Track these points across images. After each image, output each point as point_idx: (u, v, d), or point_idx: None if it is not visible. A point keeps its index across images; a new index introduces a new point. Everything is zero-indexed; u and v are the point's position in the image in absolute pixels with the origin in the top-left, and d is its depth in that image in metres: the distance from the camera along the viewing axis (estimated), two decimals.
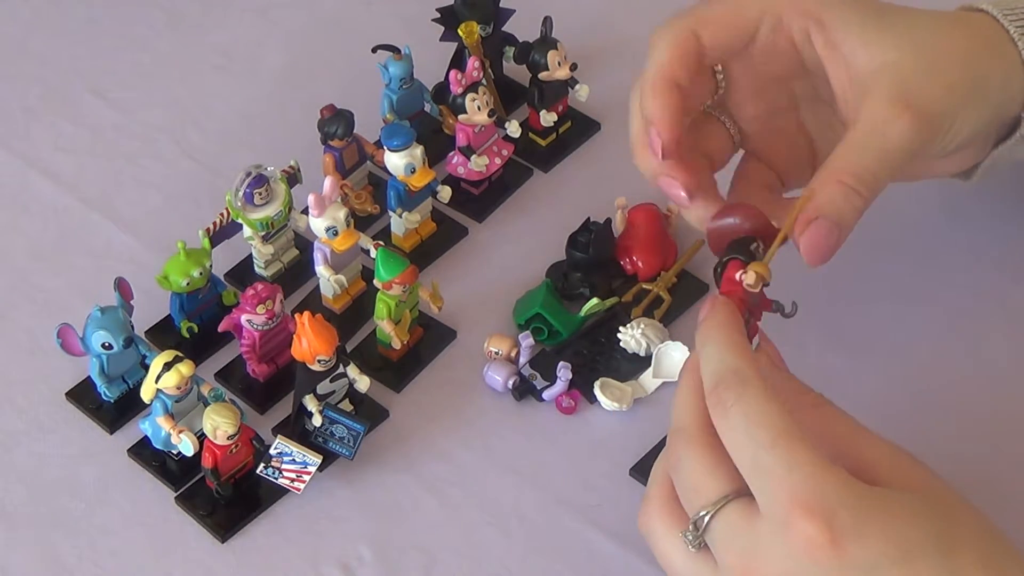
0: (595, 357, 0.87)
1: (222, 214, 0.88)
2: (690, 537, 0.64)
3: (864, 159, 0.71)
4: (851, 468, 0.64)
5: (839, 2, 0.75)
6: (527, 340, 0.86)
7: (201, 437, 0.79)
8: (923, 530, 0.60)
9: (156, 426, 0.80)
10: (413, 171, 0.89)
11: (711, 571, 0.64)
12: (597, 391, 0.84)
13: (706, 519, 0.63)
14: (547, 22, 0.97)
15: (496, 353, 0.86)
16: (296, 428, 0.83)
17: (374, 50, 0.96)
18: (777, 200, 0.79)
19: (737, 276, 0.69)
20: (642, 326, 0.87)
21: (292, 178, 0.90)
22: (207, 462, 0.79)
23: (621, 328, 0.87)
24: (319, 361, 0.79)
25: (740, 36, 0.76)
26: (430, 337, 0.89)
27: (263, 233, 0.89)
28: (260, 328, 0.84)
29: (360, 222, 0.92)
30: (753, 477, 0.62)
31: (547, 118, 0.98)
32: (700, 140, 0.79)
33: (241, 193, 0.87)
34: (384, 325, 0.85)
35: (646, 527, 0.68)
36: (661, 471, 0.68)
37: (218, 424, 0.77)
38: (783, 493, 0.60)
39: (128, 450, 0.83)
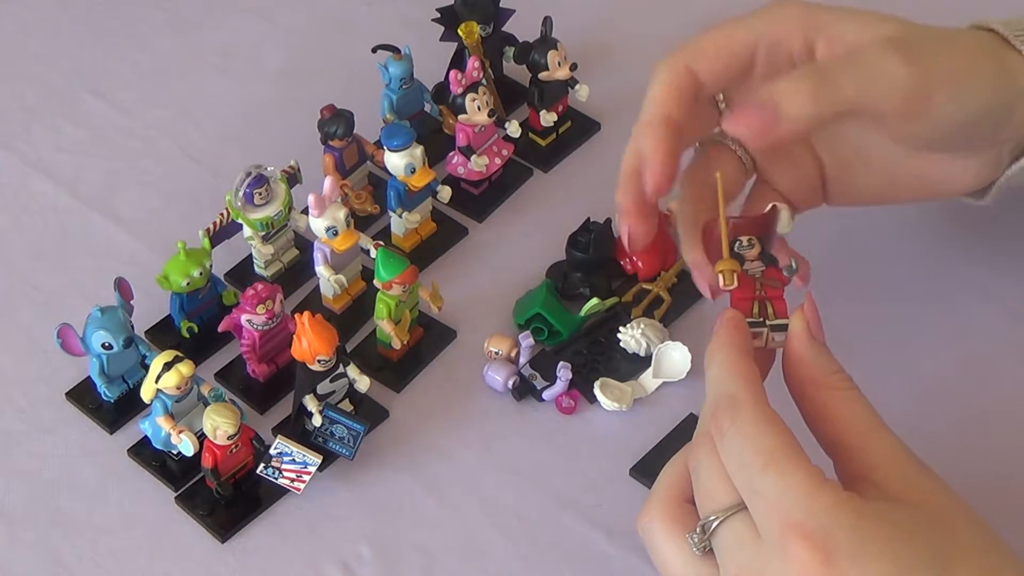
0: (595, 357, 0.87)
1: (222, 214, 0.88)
2: (695, 539, 0.64)
3: (833, 67, 0.69)
4: (855, 468, 0.64)
5: (837, 9, 0.74)
6: (527, 340, 0.86)
7: (201, 437, 0.79)
8: (919, 547, 0.60)
9: (156, 426, 0.80)
10: (413, 171, 0.89)
11: None
12: (597, 391, 0.85)
13: (715, 524, 0.63)
14: (547, 22, 0.97)
15: (496, 353, 0.86)
16: (296, 428, 0.83)
17: (374, 50, 0.96)
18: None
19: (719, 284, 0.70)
20: (642, 326, 0.87)
21: (292, 178, 0.90)
22: (207, 462, 0.79)
23: (621, 328, 0.87)
24: (319, 361, 0.79)
25: (736, 64, 0.75)
26: (430, 337, 0.89)
27: (263, 233, 0.89)
28: (260, 328, 0.84)
29: (360, 222, 0.92)
30: (749, 499, 0.62)
31: (547, 118, 0.98)
32: (711, 168, 0.77)
33: (241, 193, 0.87)
34: (384, 325, 0.85)
35: (646, 527, 0.67)
36: (670, 473, 0.68)
37: (218, 424, 0.77)
38: (776, 517, 0.60)
39: (128, 450, 0.83)
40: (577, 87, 0.98)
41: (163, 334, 0.88)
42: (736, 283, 0.69)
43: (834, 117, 0.70)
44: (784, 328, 0.69)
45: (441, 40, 0.98)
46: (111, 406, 0.85)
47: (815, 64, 0.72)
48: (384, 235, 0.93)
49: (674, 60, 0.74)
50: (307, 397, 0.81)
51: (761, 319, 0.69)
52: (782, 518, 0.60)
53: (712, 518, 0.63)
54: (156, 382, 0.78)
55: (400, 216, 0.91)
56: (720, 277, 0.69)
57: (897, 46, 0.70)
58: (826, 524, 0.59)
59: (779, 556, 0.60)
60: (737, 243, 0.71)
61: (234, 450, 0.79)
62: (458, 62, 0.98)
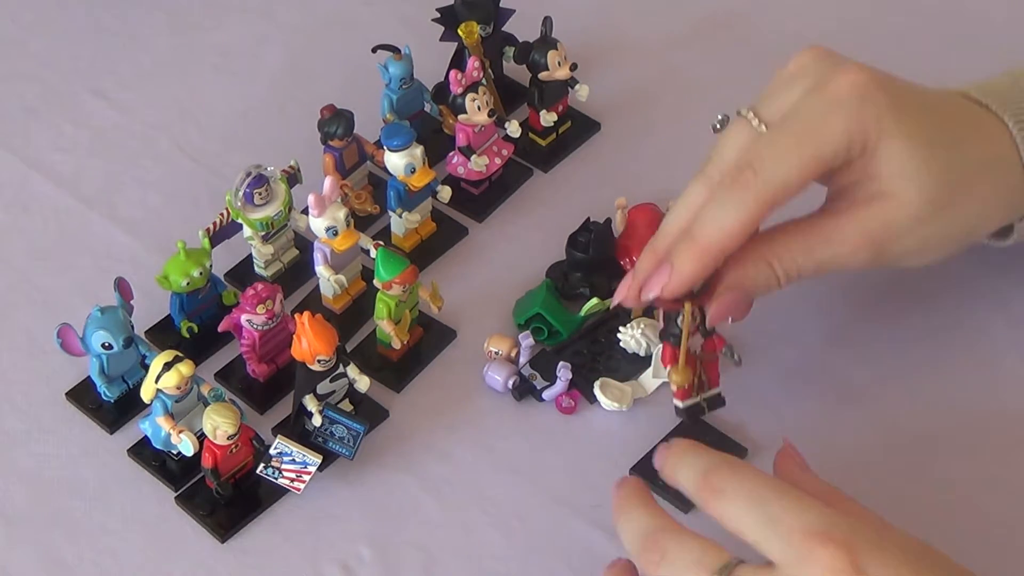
0: (595, 357, 0.87)
1: (222, 214, 0.88)
2: None
3: (804, 259, 0.74)
4: None
5: (899, 126, 0.73)
6: (527, 340, 0.86)
7: (201, 437, 0.79)
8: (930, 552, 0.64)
9: (156, 426, 0.80)
10: (413, 171, 0.89)
11: None
12: (597, 391, 0.84)
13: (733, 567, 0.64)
14: (547, 22, 0.97)
15: (496, 353, 0.86)
16: (296, 428, 0.83)
17: (374, 50, 0.96)
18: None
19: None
20: (642, 326, 0.87)
21: (292, 178, 0.90)
22: (207, 462, 0.79)
23: (621, 328, 0.87)
24: (319, 361, 0.79)
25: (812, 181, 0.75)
26: (430, 337, 0.89)
27: (263, 233, 0.89)
28: (260, 328, 0.84)
29: (360, 222, 0.92)
30: (766, 530, 0.63)
31: (547, 118, 0.98)
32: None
33: (241, 193, 0.87)
34: (384, 325, 0.85)
35: None
36: None
37: (218, 424, 0.77)
38: (798, 530, 0.62)
39: (128, 450, 0.83)
40: (577, 87, 0.98)
41: (163, 334, 0.88)
42: (687, 386, 0.77)
43: None
44: (717, 400, 0.78)
45: (441, 40, 0.98)
46: (111, 406, 0.85)
47: (783, 252, 0.74)
48: (384, 235, 0.93)
49: (760, 194, 0.72)
50: (307, 397, 0.81)
51: (698, 396, 0.77)
52: (805, 529, 0.61)
53: (719, 565, 0.63)
54: (156, 382, 0.78)
55: (400, 216, 0.91)
56: (674, 387, 0.77)
57: (873, 245, 0.74)
58: (848, 530, 0.61)
59: (804, 566, 0.61)
60: (679, 315, 0.75)
61: (234, 450, 0.79)
62: (458, 62, 0.98)
